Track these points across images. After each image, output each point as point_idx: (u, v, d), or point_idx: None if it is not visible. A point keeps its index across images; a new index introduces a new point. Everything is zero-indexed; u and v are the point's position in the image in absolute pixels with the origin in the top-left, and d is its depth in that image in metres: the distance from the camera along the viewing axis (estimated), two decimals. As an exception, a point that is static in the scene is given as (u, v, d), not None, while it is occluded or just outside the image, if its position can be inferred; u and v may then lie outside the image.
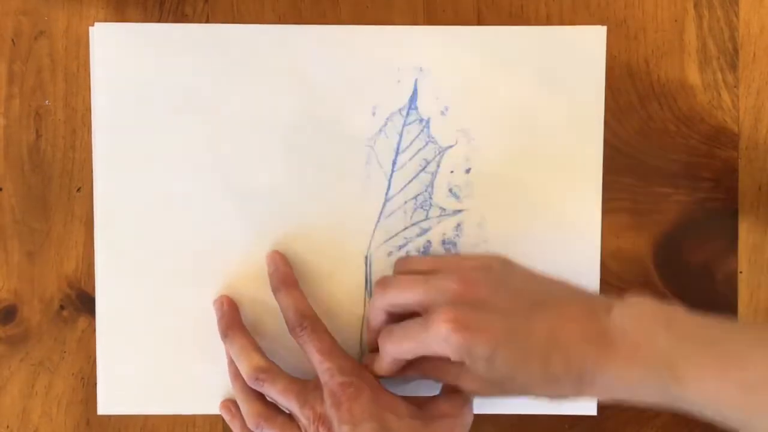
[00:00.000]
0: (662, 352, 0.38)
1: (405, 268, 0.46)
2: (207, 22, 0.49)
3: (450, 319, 0.40)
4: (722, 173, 0.50)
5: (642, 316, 0.39)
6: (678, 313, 0.40)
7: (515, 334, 0.40)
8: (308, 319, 0.46)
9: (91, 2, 0.49)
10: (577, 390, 0.40)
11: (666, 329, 0.39)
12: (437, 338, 0.40)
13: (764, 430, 0.38)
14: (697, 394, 0.38)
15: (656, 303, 0.40)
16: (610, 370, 0.39)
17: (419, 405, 0.46)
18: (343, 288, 0.49)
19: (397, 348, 0.43)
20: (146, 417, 0.50)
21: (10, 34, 0.49)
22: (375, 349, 0.46)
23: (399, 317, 0.44)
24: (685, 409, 0.39)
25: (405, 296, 0.43)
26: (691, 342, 0.38)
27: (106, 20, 0.49)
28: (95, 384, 0.49)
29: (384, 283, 0.45)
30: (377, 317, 0.45)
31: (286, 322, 0.47)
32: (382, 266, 0.49)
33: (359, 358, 0.49)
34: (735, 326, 0.40)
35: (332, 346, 0.46)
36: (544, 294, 0.42)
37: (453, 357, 0.40)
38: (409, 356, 0.43)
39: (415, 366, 0.45)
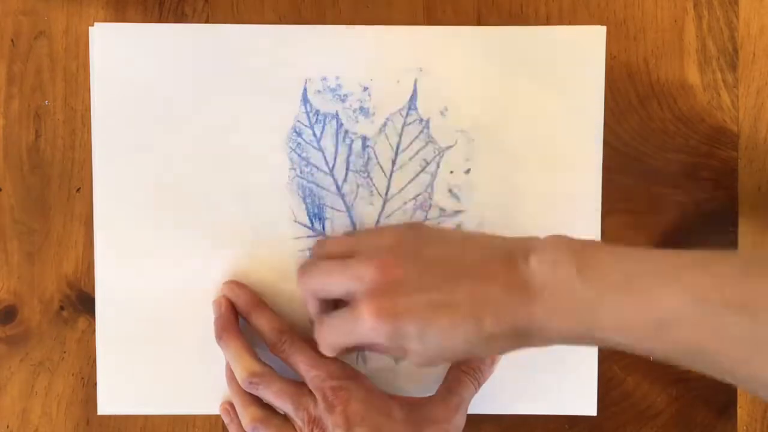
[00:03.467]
0: (581, 300, 0.38)
1: (323, 252, 0.46)
2: (207, 22, 0.49)
3: (372, 310, 0.40)
4: (722, 173, 0.50)
5: (556, 262, 0.39)
6: (592, 253, 0.39)
7: (440, 305, 0.40)
8: (286, 334, 0.47)
9: (90, 2, 0.49)
10: (517, 343, 0.40)
11: (579, 274, 0.38)
12: (366, 331, 0.40)
13: (683, 363, 0.38)
14: (618, 335, 0.38)
15: (570, 244, 0.40)
16: (538, 322, 0.39)
17: (413, 407, 0.46)
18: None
19: (334, 341, 0.43)
20: (146, 417, 0.50)
21: (9, 34, 0.49)
22: None
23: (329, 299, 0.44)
24: (607, 347, 0.39)
25: (325, 286, 0.43)
26: (606, 285, 0.38)
27: (105, 20, 0.49)
28: (95, 384, 0.49)
29: (304, 270, 0.45)
30: (309, 302, 0.45)
31: (265, 342, 0.47)
32: (382, 266, 0.49)
33: (357, 361, 0.49)
34: (650, 259, 0.39)
35: (317, 354, 0.46)
36: (461, 256, 0.41)
37: (386, 344, 0.41)
38: (349, 346, 0.43)
39: (358, 347, 0.45)
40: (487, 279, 0.40)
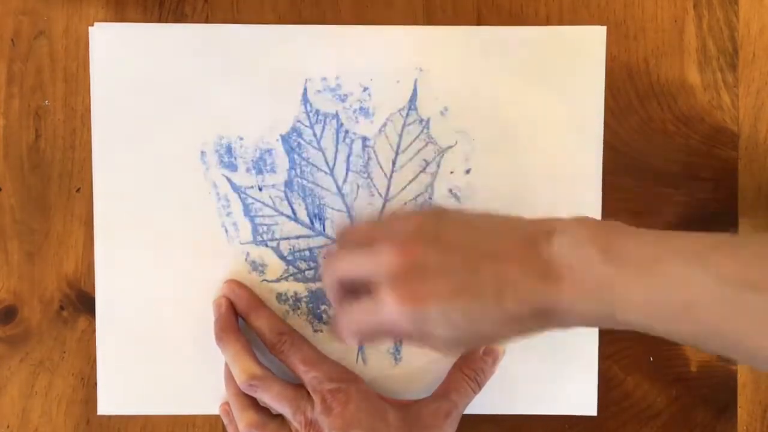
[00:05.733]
0: (603, 281, 0.38)
1: (345, 240, 0.45)
2: (207, 22, 0.49)
3: (396, 296, 0.39)
4: (722, 173, 0.50)
5: (579, 243, 0.39)
6: (615, 234, 0.39)
7: (463, 288, 0.39)
8: (285, 334, 0.47)
9: (90, 2, 0.49)
10: (539, 325, 0.40)
11: (603, 256, 0.38)
12: (389, 316, 0.40)
13: (705, 345, 0.38)
14: (640, 317, 0.38)
15: (591, 225, 0.39)
16: (559, 303, 0.38)
17: (407, 410, 0.46)
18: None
19: (357, 328, 0.42)
20: (146, 417, 0.50)
21: (9, 34, 0.49)
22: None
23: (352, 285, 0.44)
24: (627, 328, 0.39)
25: (348, 273, 0.43)
26: (627, 267, 0.38)
27: (105, 20, 0.49)
28: (95, 384, 0.49)
29: (328, 258, 0.44)
30: (331, 290, 0.44)
31: (264, 343, 0.47)
32: (382, 266, 0.49)
33: (357, 361, 0.49)
34: (673, 240, 0.39)
35: (315, 355, 0.47)
36: (482, 239, 0.41)
37: (410, 329, 0.40)
38: (372, 333, 0.43)
39: (383, 336, 0.44)
40: (508, 260, 0.39)
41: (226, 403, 0.49)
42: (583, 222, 0.40)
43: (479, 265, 0.39)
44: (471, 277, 0.39)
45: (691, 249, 0.38)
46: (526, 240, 0.40)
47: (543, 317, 0.39)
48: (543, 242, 0.39)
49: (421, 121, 0.49)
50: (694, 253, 0.37)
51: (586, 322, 0.39)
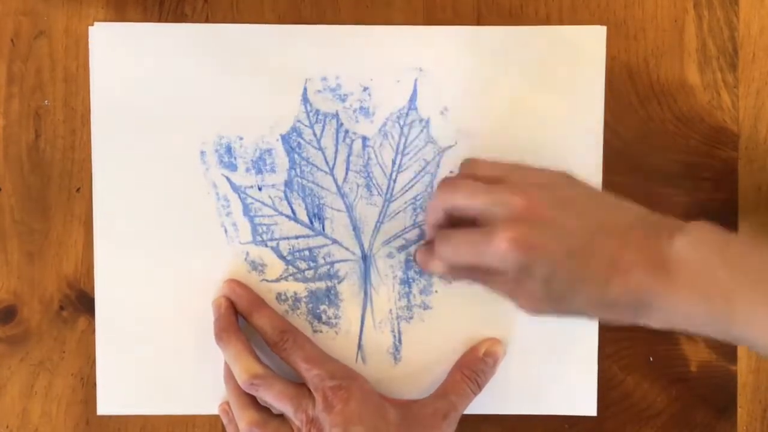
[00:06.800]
0: (719, 284, 0.38)
1: (471, 172, 0.45)
2: (206, 21, 0.49)
3: (511, 236, 0.39)
4: (722, 173, 0.50)
5: (702, 244, 0.39)
6: (737, 243, 0.39)
7: (575, 255, 0.39)
8: (288, 332, 0.47)
9: (90, 2, 0.49)
10: (633, 316, 0.40)
11: (724, 261, 0.38)
12: (496, 253, 0.40)
13: None
14: (750, 330, 0.38)
15: (716, 230, 0.40)
16: (667, 300, 0.38)
17: (406, 409, 0.46)
18: (342, 288, 0.49)
19: (453, 255, 0.42)
20: (146, 417, 0.50)
21: (9, 34, 0.49)
22: (430, 245, 0.46)
23: (456, 219, 0.43)
24: (736, 342, 0.39)
25: (468, 202, 0.42)
26: (747, 276, 0.38)
27: (105, 20, 0.49)
28: (95, 384, 0.49)
29: (449, 184, 0.44)
30: (436, 215, 0.44)
31: (267, 341, 0.47)
32: (383, 267, 0.49)
33: (357, 361, 0.49)
34: None
35: (317, 353, 0.47)
36: (607, 215, 0.41)
37: (511, 274, 0.40)
38: (465, 264, 0.42)
39: (471, 272, 0.44)
40: (627, 244, 0.39)
41: (226, 403, 0.49)
42: (705, 224, 0.40)
43: (598, 240, 0.39)
44: (587, 248, 0.39)
45: None
46: (650, 230, 0.40)
47: (642, 309, 0.39)
48: (665, 236, 0.39)
49: (421, 121, 0.49)
50: None
51: (687, 323, 0.39)
